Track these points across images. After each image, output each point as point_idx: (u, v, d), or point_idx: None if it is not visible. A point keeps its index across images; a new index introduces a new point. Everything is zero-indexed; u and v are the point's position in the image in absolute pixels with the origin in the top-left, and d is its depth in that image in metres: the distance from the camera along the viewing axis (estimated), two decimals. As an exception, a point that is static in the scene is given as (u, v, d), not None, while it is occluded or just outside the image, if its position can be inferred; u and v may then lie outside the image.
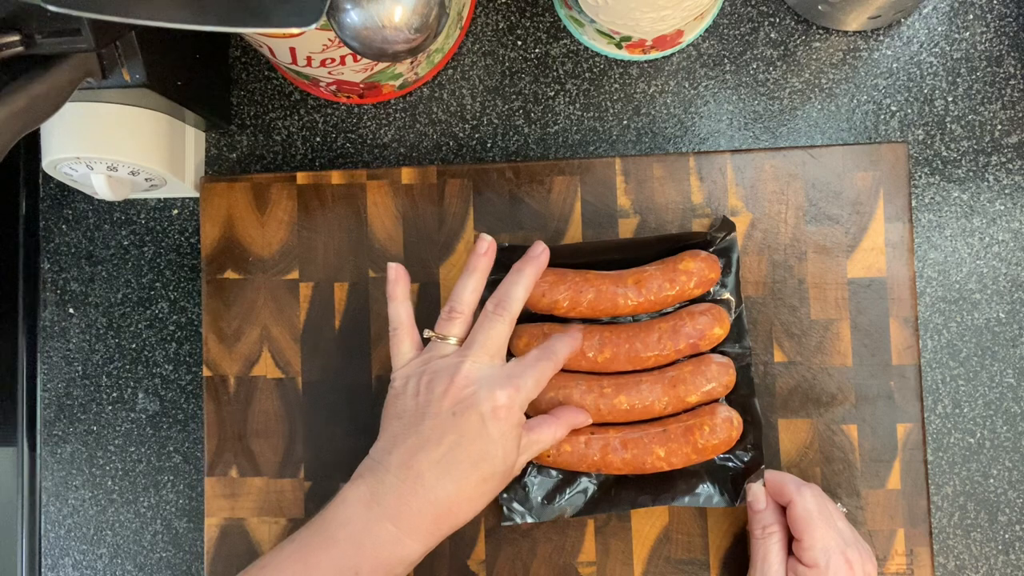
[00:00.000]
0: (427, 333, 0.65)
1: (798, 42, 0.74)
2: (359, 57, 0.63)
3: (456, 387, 0.60)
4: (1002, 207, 0.73)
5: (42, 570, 0.78)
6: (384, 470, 0.60)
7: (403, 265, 0.67)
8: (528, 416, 0.65)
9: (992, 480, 0.72)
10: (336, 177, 0.73)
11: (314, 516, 0.60)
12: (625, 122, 0.75)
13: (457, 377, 0.60)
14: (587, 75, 0.75)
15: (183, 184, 0.75)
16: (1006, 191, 0.73)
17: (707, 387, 0.66)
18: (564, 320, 0.69)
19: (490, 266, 0.65)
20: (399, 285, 0.66)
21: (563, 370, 0.68)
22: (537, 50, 0.76)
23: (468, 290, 0.64)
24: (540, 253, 0.66)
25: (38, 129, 0.64)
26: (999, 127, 0.73)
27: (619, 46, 0.73)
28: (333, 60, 0.66)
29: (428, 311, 0.72)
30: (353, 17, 0.51)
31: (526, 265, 0.65)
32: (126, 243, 0.79)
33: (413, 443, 0.60)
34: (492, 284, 0.71)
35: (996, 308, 0.73)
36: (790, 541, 0.64)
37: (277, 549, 0.60)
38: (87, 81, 0.58)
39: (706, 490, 0.67)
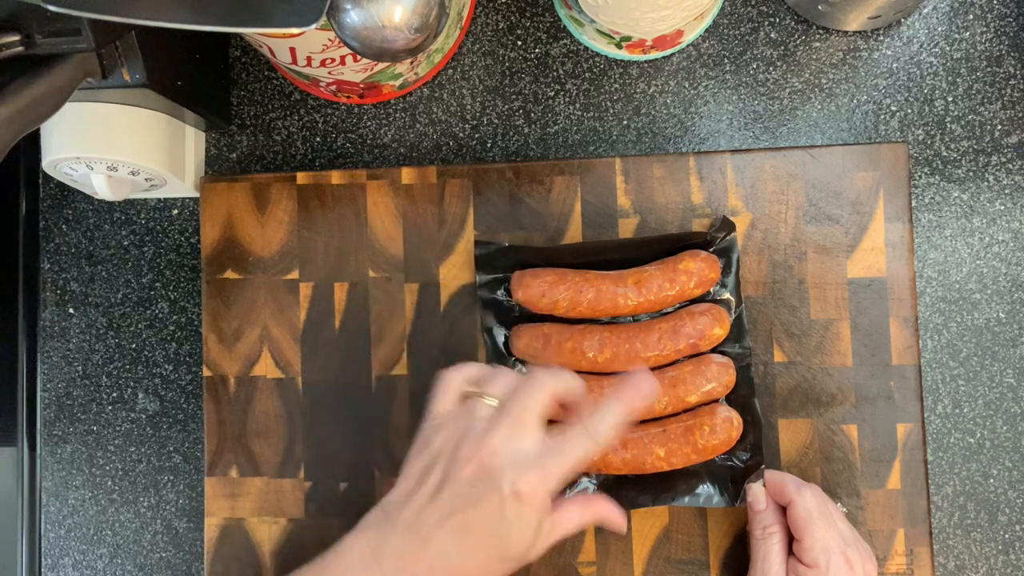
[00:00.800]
0: (468, 388, 0.60)
1: (798, 42, 0.74)
2: (359, 57, 0.63)
3: (481, 457, 0.55)
4: (1002, 207, 0.73)
5: (42, 570, 0.78)
6: (390, 527, 0.56)
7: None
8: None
9: (992, 480, 0.72)
10: (336, 177, 0.73)
11: (314, 560, 0.57)
12: (625, 122, 0.75)
13: (484, 446, 0.55)
14: (587, 75, 0.75)
15: (183, 184, 0.75)
16: (1006, 191, 0.73)
17: (707, 387, 0.66)
18: (564, 320, 0.69)
19: (553, 398, 0.59)
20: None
21: (563, 370, 0.68)
22: (537, 50, 0.76)
23: (532, 393, 0.57)
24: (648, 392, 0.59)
25: (38, 129, 0.64)
26: (999, 127, 0.73)
27: (619, 46, 0.73)
28: (333, 60, 0.66)
29: (428, 311, 0.72)
30: (353, 17, 0.51)
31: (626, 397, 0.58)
32: (126, 243, 0.79)
33: (426, 505, 0.55)
34: (493, 283, 0.71)
35: (996, 308, 0.73)
36: (790, 541, 0.64)
37: None
38: (87, 81, 0.58)
39: (706, 490, 0.67)
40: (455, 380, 0.60)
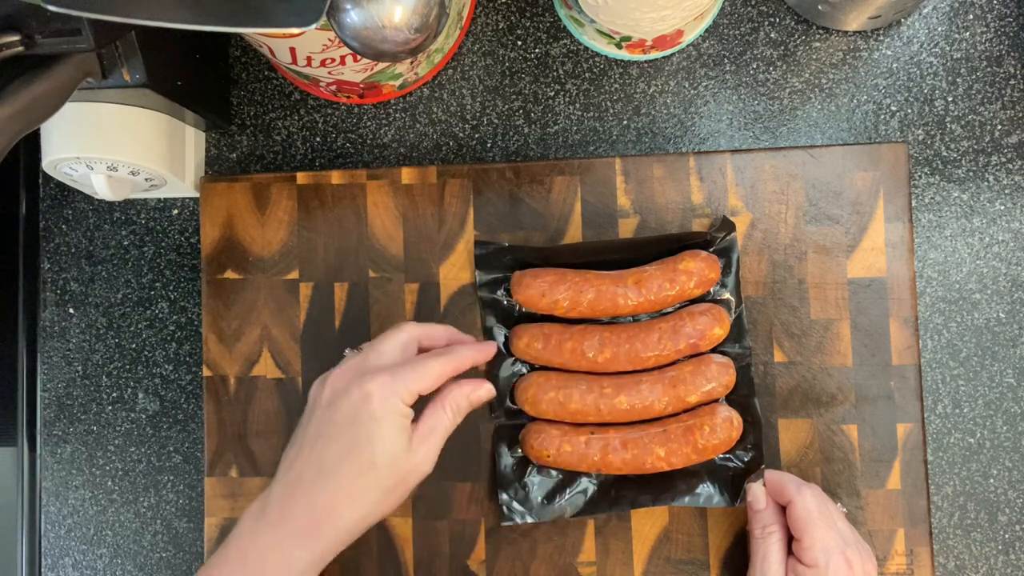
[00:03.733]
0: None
1: (798, 42, 0.74)
2: (359, 57, 0.63)
3: (333, 378, 0.58)
4: (1002, 207, 0.73)
5: (42, 570, 0.78)
6: (275, 480, 0.58)
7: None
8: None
9: (992, 480, 0.72)
10: (336, 177, 0.73)
11: None
12: (625, 122, 0.75)
13: (337, 371, 0.59)
14: (587, 75, 0.75)
15: (183, 184, 0.75)
16: (1006, 191, 0.73)
17: (707, 387, 0.66)
18: (564, 320, 0.69)
19: (412, 337, 0.62)
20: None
21: (563, 370, 0.68)
22: (537, 50, 0.76)
23: (431, 369, 0.60)
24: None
25: (38, 129, 0.64)
26: (999, 127, 0.73)
27: (619, 46, 0.73)
28: (333, 60, 0.66)
29: (428, 311, 0.72)
30: (353, 17, 0.51)
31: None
32: (126, 243, 0.79)
33: (296, 446, 0.58)
34: (493, 283, 0.71)
35: (996, 308, 0.73)
36: (790, 541, 0.64)
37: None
38: (87, 81, 0.58)
39: (706, 490, 0.68)
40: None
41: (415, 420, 0.58)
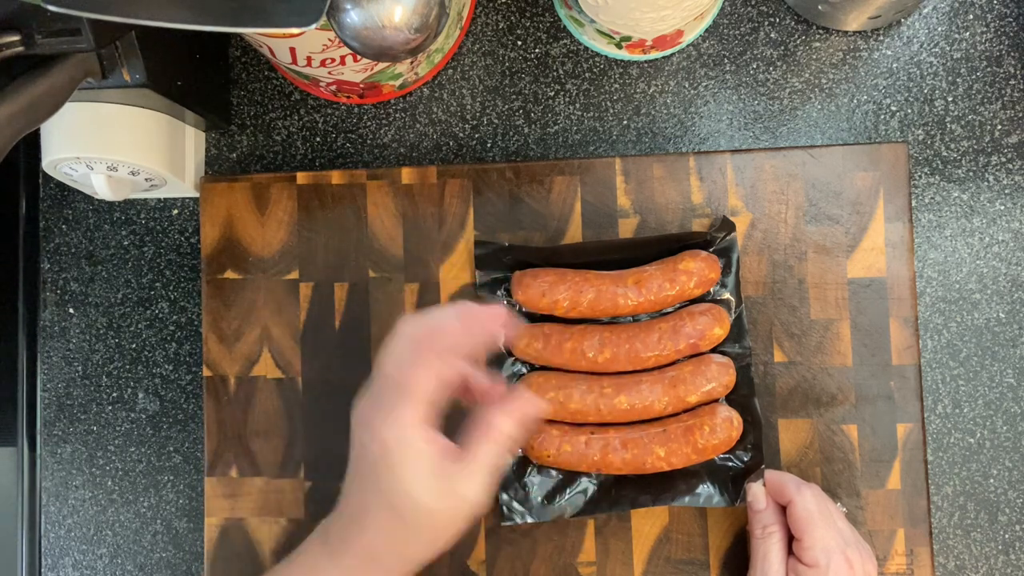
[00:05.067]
0: None
1: (798, 42, 0.74)
2: (359, 57, 0.63)
3: (357, 413, 0.53)
4: (1002, 207, 0.73)
5: (42, 570, 0.78)
6: (337, 505, 0.55)
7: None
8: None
9: (992, 480, 0.72)
10: (336, 177, 0.73)
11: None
12: (625, 122, 0.75)
13: (365, 400, 0.53)
14: (587, 75, 0.75)
15: (183, 184, 0.75)
16: (1006, 191, 0.73)
17: (707, 387, 0.66)
18: (564, 320, 0.69)
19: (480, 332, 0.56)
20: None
21: (563, 370, 0.68)
22: (537, 50, 0.76)
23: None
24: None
25: (38, 129, 0.64)
26: (999, 127, 0.73)
27: (619, 46, 0.73)
28: (333, 60, 0.66)
29: (428, 311, 0.72)
30: (353, 17, 0.51)
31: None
32: (126, 243, 0.79)
33: (348, 475, 0.54)
34: (493, 283, 0.71)
35: (996, 308, 0.73)
36: (790, 541, 0.64)
37: None
38: (87, 81, 0.58)
39: (706, 490, 0.67)
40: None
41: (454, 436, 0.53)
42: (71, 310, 0.79)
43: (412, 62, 0.72)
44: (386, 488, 0.50)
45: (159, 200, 0.79)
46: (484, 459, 0.51)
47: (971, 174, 0.73)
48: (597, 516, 0.70)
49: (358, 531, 0.53)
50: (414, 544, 0.52)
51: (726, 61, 0.75)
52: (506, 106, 0.76)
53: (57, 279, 0.79)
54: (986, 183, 0.73)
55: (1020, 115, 0.73)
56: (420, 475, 0.50)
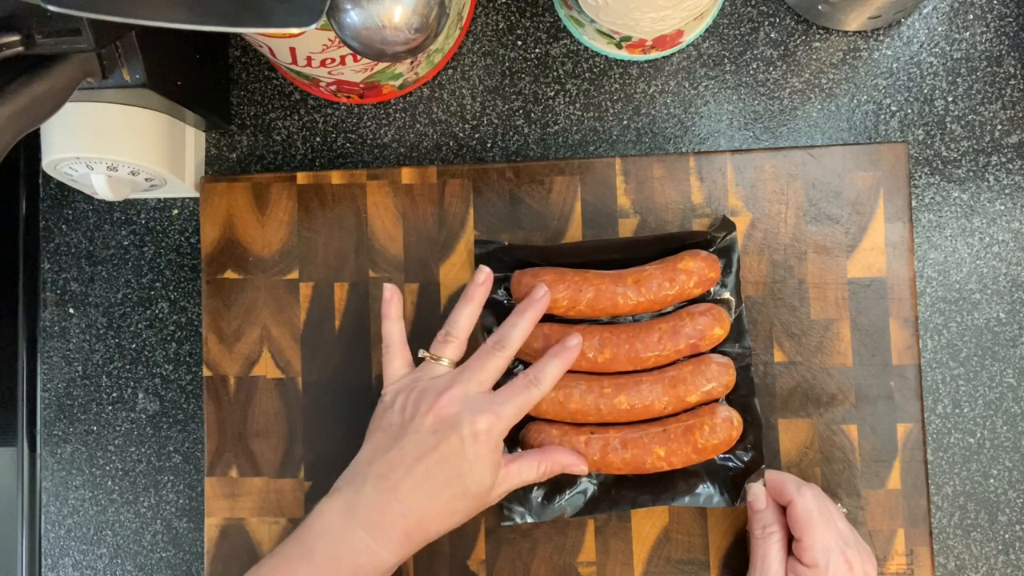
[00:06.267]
0: (422, 353, 0.66)
1: (798, 42, 0.74)
2: (359, 57, 0.63)
3: (440, 406, 0.62)
4: (1002, 207, 0.73)
5: (42, 570, 0.78)
6: (362, 480, 0.61)
7: (396, 286, 0.69)
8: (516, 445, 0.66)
9: (992, 480, 0.72)
10: (336, 177, 0.73)
11: (293, 530, 0.61)
12: (625, 122, 0.75)
13: (443, 397, 0.62)
14: (587, 75, 0.75)
15: (183, 184, 0.75)
16: (1006, 191, 0.73)
17: (707, 387, 0.66)
18: (564, 320, 0.69)
19: (486, 295, 0.67)
20: (392, 305, 0.68)
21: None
22: (537, 50, 0.76)
23: (464, 316, 0.66)
24: (542, 296, 0.67)
25: (38, 129, 0.64)
26: (999, 127, 0.73)
27: (619, 46, 0.73)
28: (333, 60, 0.66)
29: (428, 311, 0.72)
30: (353, 17, 0.51)
31: (528, 308, 0.66)
32: (126, 243, 0.79)
33: (393, 456, 0.61)
34: (493, 282, 0.71)
35: (996, 308, 0.73)
36: (790, 541, 0.64)
37: (258, 566, 0.61)
38: (87, 81, 0.58)
39: (706, 490, 0.67)
40: (394, 333, 0.67)
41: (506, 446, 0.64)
42: (71, 310, 0.79)
43: (412, 62, 0.72)
44: (465, 471, 0.61)
45: (159, 200, 0.79)
46: (525, 478, 0.64)
47: (971, 174, 0.73)
48: (597, 516, 0.70)
49: (400, 504, 0.60)
50: (456, 519, 0.62)
51: (726, 61, 0.75)
52: (506, 106, 0.76)
53: (57, 279, 0.79)
54: (986, 183, 0.73)
55: (1020, 115, 0.73)
56: (493, 468, 0.62)
